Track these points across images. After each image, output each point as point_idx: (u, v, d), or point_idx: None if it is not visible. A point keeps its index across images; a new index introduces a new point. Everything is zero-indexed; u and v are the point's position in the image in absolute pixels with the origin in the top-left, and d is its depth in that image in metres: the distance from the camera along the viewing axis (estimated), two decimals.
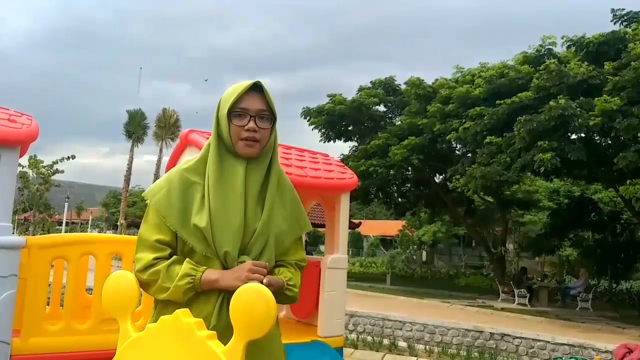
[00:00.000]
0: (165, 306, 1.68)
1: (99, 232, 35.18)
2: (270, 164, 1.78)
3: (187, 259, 1.66)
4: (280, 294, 1.70)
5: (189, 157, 4.14)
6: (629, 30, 14.21)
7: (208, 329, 1.51)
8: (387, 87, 20.50)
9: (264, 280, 1.57)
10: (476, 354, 8.14)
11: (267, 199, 1.73)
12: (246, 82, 1.75)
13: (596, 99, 12.19)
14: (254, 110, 1.72)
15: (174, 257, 1.67)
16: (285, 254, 1.80)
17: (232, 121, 1.72)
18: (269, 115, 1.75)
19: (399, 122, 19.53)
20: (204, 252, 1.66)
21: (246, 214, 1.69)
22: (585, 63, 13.55)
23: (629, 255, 19.56)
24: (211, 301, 1.64)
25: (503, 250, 21.44)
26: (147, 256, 1.67)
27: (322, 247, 29.55)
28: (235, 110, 1.71)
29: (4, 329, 3.18)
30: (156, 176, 35.66)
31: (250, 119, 1.71)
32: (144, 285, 1.69)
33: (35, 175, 14.57)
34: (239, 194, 1.69)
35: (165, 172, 4.85)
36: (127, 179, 36.71)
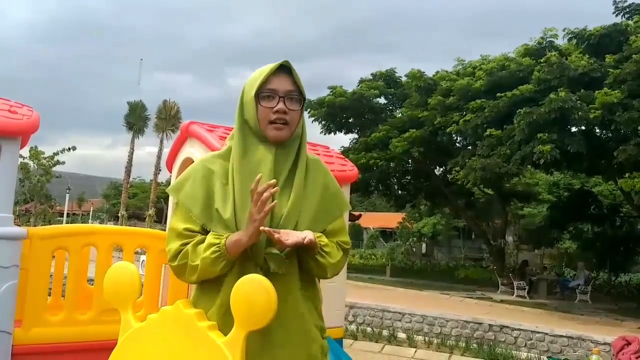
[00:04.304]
0: (201, 293, 1.65)
1: (100, 224, 35.22)
2: (299, 148, 1.71)
3: (211, 232, 1.62)
4: (311, 259, 1.64)
5: (190, 149, 4.16)
6: (630, 22, 14.15)
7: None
8: (387, 79, 20.44)
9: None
10: (475, 345, 8.17)
11: (295, 184, 1.66)
12: (273, 63, 1.68)
13: (597, 91, 12.17)
14: (282, 91, 1.66)
15: (201, 236, 1.63)
16: (327, 236, 1.72)
17: (260, 103, 1.65)
18: (298, 96, 1.68)
19: (400, 115, 19.50)
20: None
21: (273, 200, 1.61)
22: (587, 56, 13.51)
23: (628, 248, 19.62)
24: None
25: (502, 242, 21.46)
26: (176, 244, 1.63)
27: None
28: (263, 92, 1.65)
29: (6, 319, 3.20)
30: (157, 168, 35.66)
31: (279, 100, 1.65)
32: (178, 273, 1.66)
33: (36, 167, 14.58)
34: (267, 180, 1.60)
35: (166, 164, 4.87)
36: (128, 171, 36.74)
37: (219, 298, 1.59)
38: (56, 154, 14.82)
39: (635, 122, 11.58)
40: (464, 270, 23.79)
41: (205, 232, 1.65)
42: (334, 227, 1.75)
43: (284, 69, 1.68)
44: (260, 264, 1.59)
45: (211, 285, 1.62)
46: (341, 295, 4.31)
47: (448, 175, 18.43)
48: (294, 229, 1.61)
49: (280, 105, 1.64)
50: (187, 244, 1.62)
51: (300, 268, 1.68)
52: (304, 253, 1.63)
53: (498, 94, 14.16)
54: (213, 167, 1.69)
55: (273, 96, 1.65)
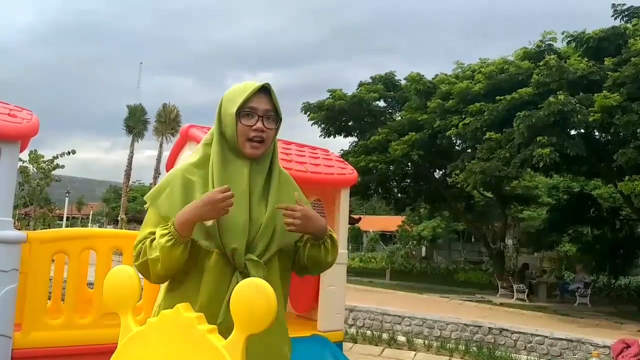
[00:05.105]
0: (171, 296, 1.70)
1: (100, 227, 35.18)
2: (272, 162, 1.82)
3: (159, 226, 1.67)
4: (327, 238, 1.78)
5: (190, 152, 4.16)
6: (629, 25, 14.20)
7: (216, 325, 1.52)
8: (387, 83, 20.48)
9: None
10: (474, 348, 8.16)
11: (271, 195, 1.76)
12: (255, 83, 1.77)
13: (596, 94, 12.20)
14: (262, 110, 1.75)
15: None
16: (300, 242, 1.83)
17: (241, 120, 1.73)
18: (275, 116, 1.78)
19: (399, 118, 19.54)
20: (211, 249, 1.68)
21: (251, 211, 1.72)
22: (586, 59, 13.55)
23: (627, 251, 19.63)
24: (219, 298, 1.65)
25: (502, 245, 21.48)
26: (137, 248, 1.71)
27: None
28: (244, 110, 1.73)
29: (5, 323, 3.20)
30: (156, 171, 35.70)
31: (258, 119, 1.74)
32: (143, 273, 1.70)
33: (35, 170, 14.57)
34: (244, 192, 1.72)
35: (166, 167, 4.87)
36: (128, 174, 36.78)
37: (199, 303, 1.64)
38: (56, 157, 14.81)
39: (634, 125, 11.60)
40: (464, 273, 23.78)
41: None
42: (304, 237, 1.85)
43: (264, 89, 1.77)
44: (240, 269, 1.66)
45: (188, 291, 1.68)
46: (341, 298, 4.31)
47: (448, 179, 18.43)
48: (271, 237, 1.73)
49: (259, 124, 1.74)
50: (143, 243, 1.68)
51: (290, 269, 1.82)
52: (317, 239, 1.76)
53: (497, 97, 14.19)
54: (192, 177, 1.75)
55: (252, 115, 1.74)
